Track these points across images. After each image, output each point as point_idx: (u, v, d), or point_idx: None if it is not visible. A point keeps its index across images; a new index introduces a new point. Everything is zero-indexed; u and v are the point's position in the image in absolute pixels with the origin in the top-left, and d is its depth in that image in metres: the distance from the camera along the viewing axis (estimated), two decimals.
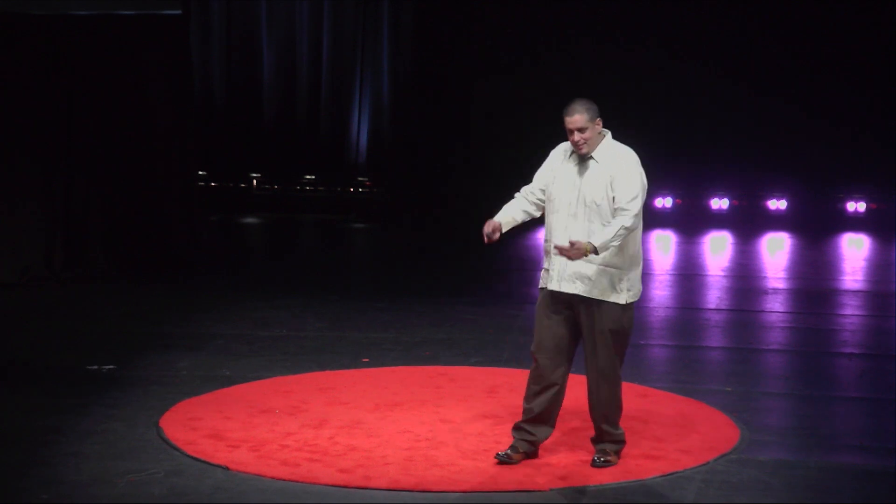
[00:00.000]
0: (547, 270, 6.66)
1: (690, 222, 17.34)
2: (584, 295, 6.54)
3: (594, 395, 6.69)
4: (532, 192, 6.81)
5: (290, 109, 18.59)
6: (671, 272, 13.85)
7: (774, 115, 17.46)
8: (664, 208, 17.79)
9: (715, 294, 12.56)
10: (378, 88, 18.46)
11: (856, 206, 17.69)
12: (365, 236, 17.58)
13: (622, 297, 6.57)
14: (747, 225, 17.33)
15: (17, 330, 10.28)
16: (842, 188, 17.70)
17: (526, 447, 6.73)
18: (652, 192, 18.23)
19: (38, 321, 10.66)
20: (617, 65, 17.38)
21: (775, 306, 11.81)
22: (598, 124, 6.62)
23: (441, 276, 13.43)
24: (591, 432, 6.82)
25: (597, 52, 17.43)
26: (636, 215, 6.52)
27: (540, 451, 6.79)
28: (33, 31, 12.39)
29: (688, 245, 16.03)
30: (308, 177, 18.73)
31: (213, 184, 18.49)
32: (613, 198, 6.53)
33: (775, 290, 12.63)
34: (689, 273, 13.91)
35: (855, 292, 12.68)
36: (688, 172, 17.74)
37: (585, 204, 6.54)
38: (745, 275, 13.83)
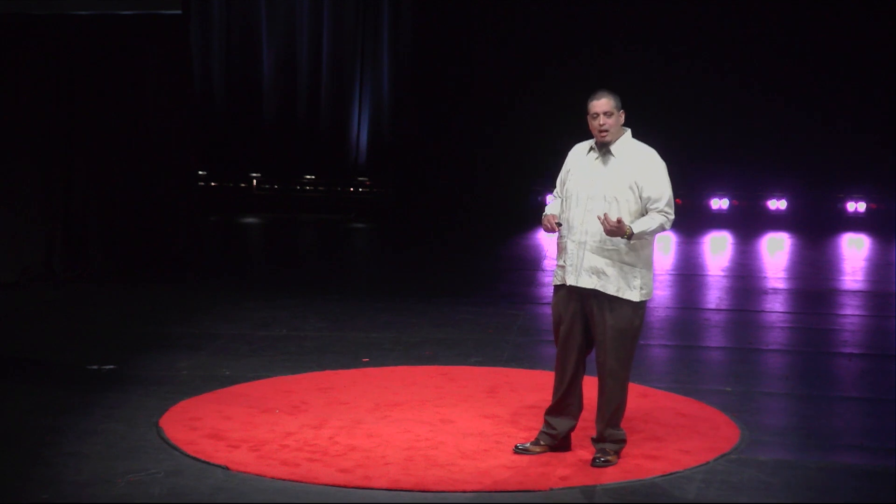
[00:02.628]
0: (562, 266, 6.68)
1: (691, 222, 17.33)
2: (600, 290, 6.56)
3: (600, 393, 6.70)
4: (559, 196, 6.86)
5: (290, 109, 18.60)
6: (671, 272, 13.85)
7: (774, 114, 17.47)
8: None
9: (715, 294, 12.56)
10: (378, 88, 18.47)
11: (856, 206, 17.69)
12: (365, 236, 17.58)
13: (636, 295, 6.59)
14: (747, 225, 17.33)
15: (17, 330, 10.28)
16: (842, 188, 17.71)
17: (547, 440, 6.82)
18: None
19: (38, 321, 10.66)
20: (617, 65, 17.36)
21: (775, 306, 11.81)
22: (622, 116, 6.66)
23: (441, 276, 13.42)
24: (592, 432, 6.83)
25: (597, 52, 17.44)
26: (672, 220, 6.62)
27: (540, 452, 6.81)
28: (33, 31, 12.39)
29: (688, 245, 16.02)
30: (308, 177, 18.74)
31: (213, 184, 18.50)
32: (642, 196, 6.55)
33: (775, 290, 12.62)
34: (689, 273, 13.91)
35: (855, 292, 12.68)
36: (688, 172, 17.73)
37: (605, 199, 6.55)
38: (745, 275, 13.82)
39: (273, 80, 18.54)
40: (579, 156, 6.77)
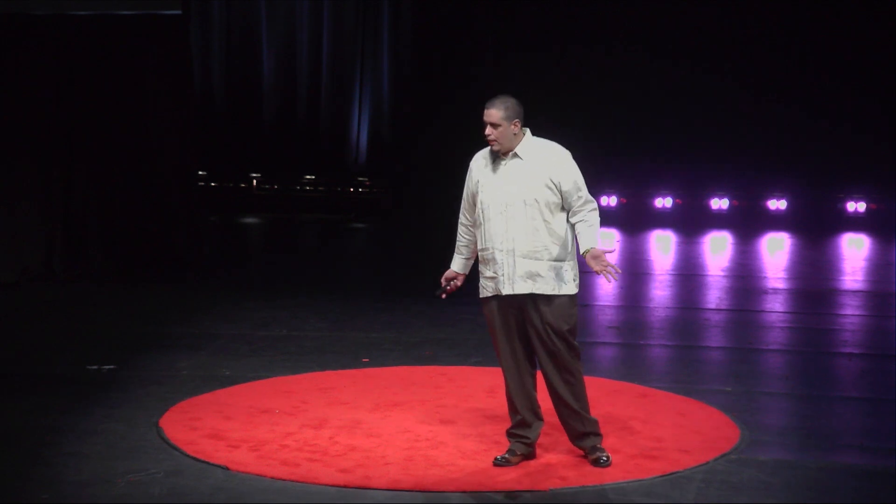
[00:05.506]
0: (493, 277, 6.60)
1: (690, 222, 17.34)
2: (538, 292, 6.52)
3: (564, 393, 6.62)
4: (467, 214, 6.81)
5: (290, 109, 18.60)
6: (671, 272, 13.85)
7: (774, 115, 17.47)
8: (664, 208, 17.80)
9: (715, 294, 12.56)
10: (378, 88, 18.47)
11: (856, 206, 17.69)
12: (365, 236, 17.58)
13: (571, 288, 6.59)
14: (747, 225, 17.32)
15: (17, 330, 10.28)
16: (842, 188, 17.70)
17: (523, 449, 6.72)
18: (652, 193, 18.37)
19: (38, 321, 10.66)
20: (617, 66, 17.38)
21: (775, 306, 11.81)
22: (515, 126, 6.57)
23: (441, 276, 13.39)
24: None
25: (597, 53, 17.43)
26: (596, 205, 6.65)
27: (539, 452, 6.79)
28: (33, 31, 12.39)
29: (688, 245, 16.02)
30: (308, 177, 18.74)
31: (213, 184, 18.50)
32: (562, 191, 6.53)
33: (775, 290, 12.62)
34: (689, 273, 13.91)
35: (855, 292, 12.68)
36: (688, 172, 17.75)
37: (525, 203, 6.52)
38: (745, 275, 13.83)
39: (273, 81, 18.54)
40: (483, 166, 6.70)
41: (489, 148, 6.71)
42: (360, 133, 18.54)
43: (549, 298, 6.54)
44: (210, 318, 10.71)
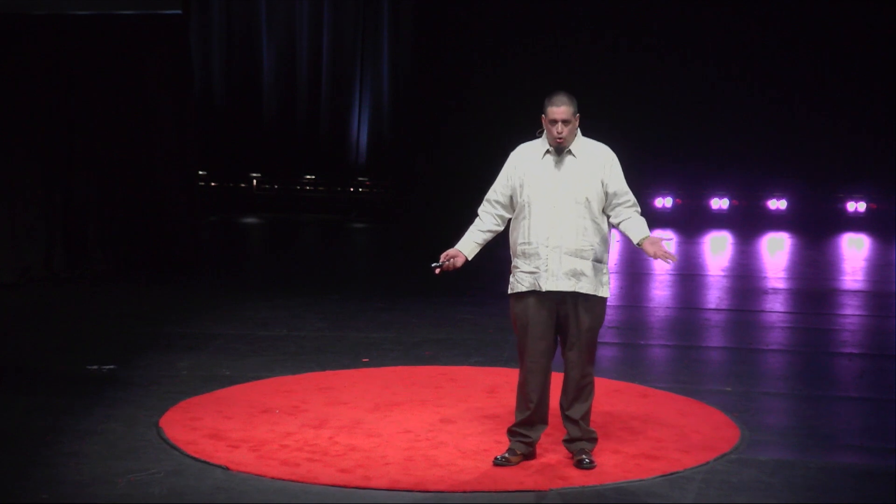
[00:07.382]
0: (533, 272, 6.55)
1: (690, 222, 17.34)
2: (579, 291, 6.53)
3: (579, 395, 6.64)
4: (495, 204, 6.72)
5: (290, 109, 18.60)
6: (671, 272, 13.85)
7: (774, 114, 17.48)
8: (664, 208, 17.80)
9: (715, 294, 12.56)
10: (378, 88, 18.47)
11: (856, 206, 17.69)
12: (365, 236, 17.58)
13: (606, 291, 6.64)
14: (747, 225, 17.33)
15: (17, 330, 10.28)
16: (842, 188, 17.71)
17: (524, 449, 6.72)
18: (652, 192, 18.36)
19: (38, 321, 10.66)
20: (618, 65, 17.39)
21: (775, 306, 11.81)
22: (577, 119, 6.56)
23: (441, 276, 13.39)
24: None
25: (598, 52, 17.45)
26: None
27: (539, 452, 6.79)
28: (33, 31, 12.39)
29: (688, 245, 16.02)
30: (308, 177, 18.74)
31: (213, 184, 18.51)
32: (608, 193, 6.55)
33: (775, 290, 12.63)
34: (689, 273, 13.91)
35: (855, 292, 12.68)
36: (688, 172, 17.75)
37: (577, 202, 6.51)
38: (745, 275, 13.83)
39: (273, 81, 18.55)
40: (532, 160, 6.61)
41: (534, 141, 6.67)
42: (360, 133, 18.55)
43: (587, 298, 6.55)
44: (210, 318, 10.71)
